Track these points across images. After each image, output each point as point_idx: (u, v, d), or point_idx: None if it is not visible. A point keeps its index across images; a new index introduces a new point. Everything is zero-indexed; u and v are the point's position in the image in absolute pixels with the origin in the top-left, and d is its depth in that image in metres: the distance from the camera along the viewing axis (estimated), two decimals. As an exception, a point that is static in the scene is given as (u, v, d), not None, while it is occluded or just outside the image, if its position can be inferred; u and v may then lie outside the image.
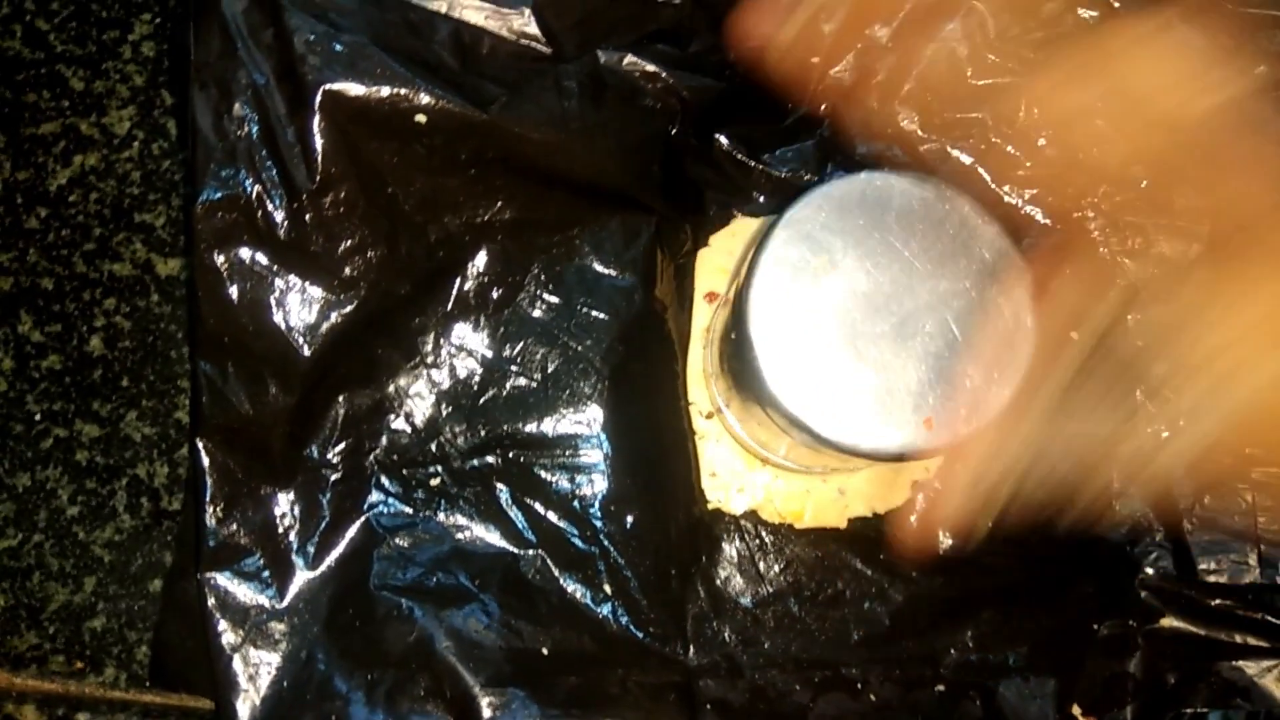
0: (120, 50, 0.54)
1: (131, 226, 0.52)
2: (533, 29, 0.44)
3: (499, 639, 0.45)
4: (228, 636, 0.45)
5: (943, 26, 0.48)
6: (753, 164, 0.50)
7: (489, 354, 0.48)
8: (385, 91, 0.42)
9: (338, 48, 0.41)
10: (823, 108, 0.49)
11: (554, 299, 0.48)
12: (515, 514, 0.47)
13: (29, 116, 0.53)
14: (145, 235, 0.52)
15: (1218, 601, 0.47)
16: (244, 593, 0.45)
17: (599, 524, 0.47)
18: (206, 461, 0.45)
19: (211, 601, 0.45)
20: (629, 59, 0.46)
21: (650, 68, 0.47)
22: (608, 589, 0.46)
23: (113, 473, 0.50)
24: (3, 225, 0.52)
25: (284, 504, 0.46)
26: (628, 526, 0.47)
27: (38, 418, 0.50)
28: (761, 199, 0.51)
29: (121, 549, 0.49)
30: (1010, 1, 0.48)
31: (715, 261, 0.52)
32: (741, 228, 0.52)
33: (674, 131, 0.48)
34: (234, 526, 0.45)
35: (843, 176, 0.37)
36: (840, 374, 0.37)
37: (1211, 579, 0.48)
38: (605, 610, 0.46)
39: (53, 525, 0.50)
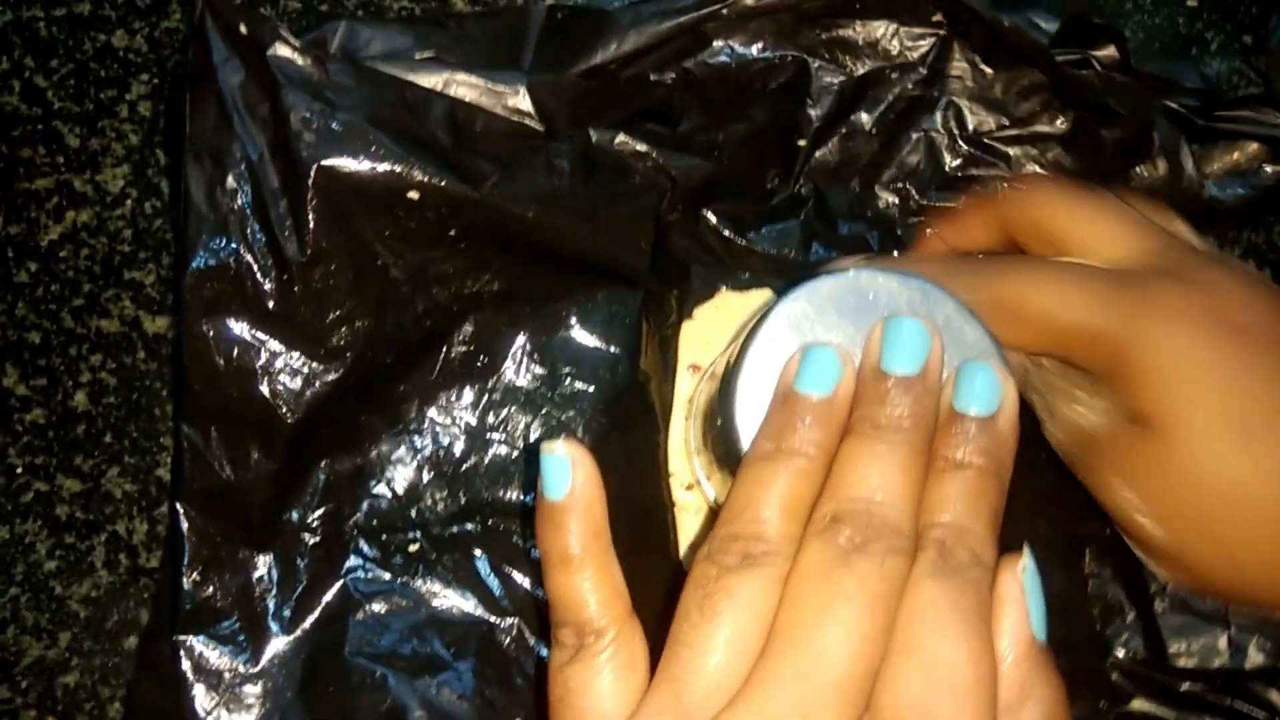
0: (117, 109, 0.54)
1: (121, 284, 0.52)
2: (527, 107, 0.45)
3: (473, 710, 0.45)
4: (201, 700, 0.45)
5: (923, 118, 0.50)
6: (738, 241, 0.51)
7: (472, 422, 0.48)
8: (379, 168, 0.42)
9: (333, 125, 0.42)
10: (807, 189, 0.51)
11: (539, 369, 0.48)
12: (493, 582, 0.47)
13: (23, 171, 0.53)
14: (134, 293, 0.52)
15: (1187, 686, 0.47)
16: (219, 656, 0.45)
17: None
18: (185, 525, 0.45)
19: (186, 664, 0.45)
20: (620, 138, 0.47)
21: (640, 147, 0.47)
22: None
23: (92, 528, 0.50)
24: (-8, 279, 0.52)
25: (262, 567, 0.46)
26: None
27: (19, 470, 0.51)
28: (746, 275, 0.52)
29: (98, 605, 0.49)
30: (986, 99, 0.50)
31: (699, 334, 0.52)
32: (725, 301, 0.52)
33: (662, 208, 0.49)
34: (211, 590, 0.45)
35: (831, 274, 0.38)
36: None
37: (1182, 662, 0.48)
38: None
39: (30, 579, 0.50)
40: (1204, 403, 0.37)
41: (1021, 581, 0.31)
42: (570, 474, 0.33)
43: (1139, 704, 0.48)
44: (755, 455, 0.34)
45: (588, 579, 0.33)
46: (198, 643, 0.45)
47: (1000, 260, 0.43)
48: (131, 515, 0.50)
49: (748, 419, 0.37)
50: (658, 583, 0.48)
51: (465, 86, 0.44)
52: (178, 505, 0.45)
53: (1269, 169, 0.50)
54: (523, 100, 0.45)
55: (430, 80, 0.44)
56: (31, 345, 0.52)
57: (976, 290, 0.38)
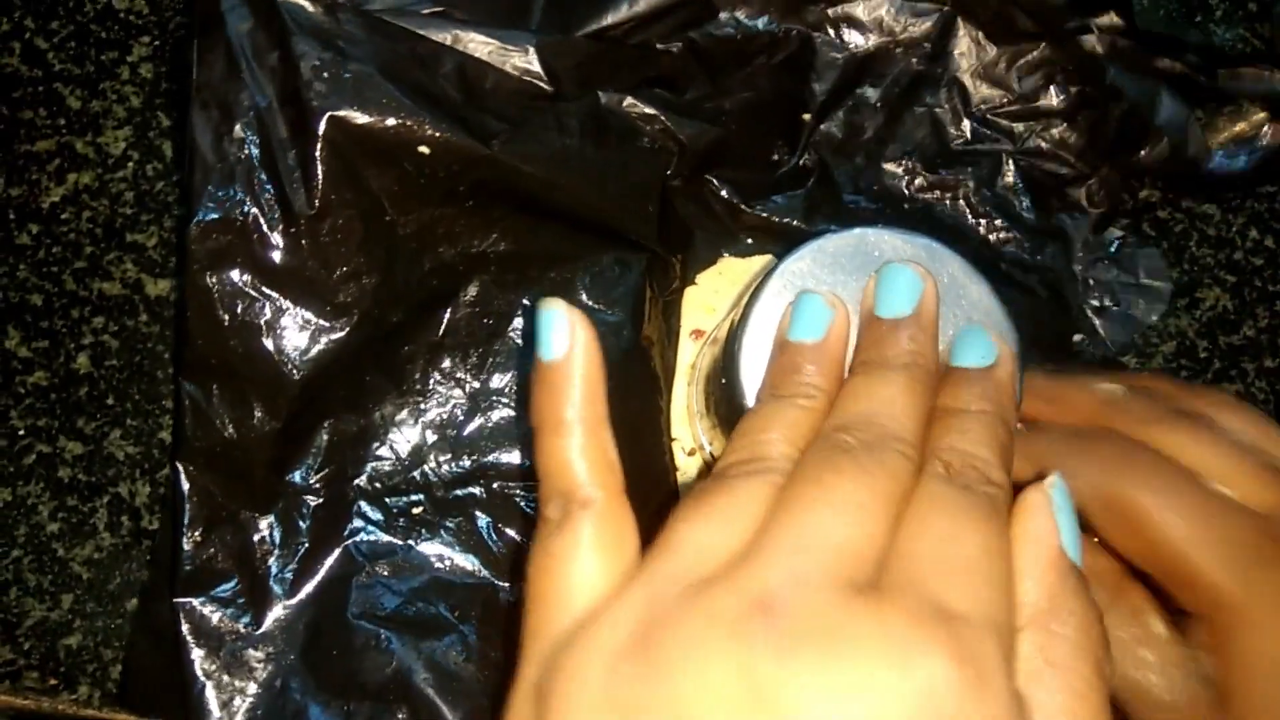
0: (118, 71, 0.54)
1: (123, 246, 0.52)
2: (535, 67, 0.45)
3: (477, 671, 0.45)
4: (201, 663, 0.45)
5: (927, 93, 0.50)
6: (743, 207, 0.51)
7: (476, 384, 0.48)
8: (390, 121, 0.42)
9: (345, 75, 0.42)
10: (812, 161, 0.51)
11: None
12: (496, 544, 0.47)
13: (24, 133, 0.53)
14: (136, 255, 0.52)
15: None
16: (219, 619, 0.45)
17: None
18: (186, 484, 0.45)
19: (185, 627, 0.45)
20: (628, 101, 0.47)
21: (649, 110, 0.47)
22: None
23: (94, 490, 0.50)
24: (-6, 240, 0.52)
25: (263, 529, 0.46)
26: None
27: (21, 433, 0.50)
28: (749, 241, 0.52)
29: (100, 567, 0.49)
30: (989, 75, 0.50)
31: (701, 299, 0.52)
32: (728, 267, 0.52)
33: (669, 173, 0.49)
34: (211, 551, 0.45)
35: (837, 231, 0.38)
36: None
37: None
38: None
39: (32, 541, 0.49)
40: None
41: (1049, 493, 0.29)
42: (569, 332, 0.31)
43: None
44: (755, 404, 0.34)
45: (577, 444, 0.31)
46: (197, 604, 0.45)
47: (1129, 453, 0.35)
48: (134, 477, 0.50)
49: (752, 377, 0.37)
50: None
51: (474, 44, 0.44)
52: (178, 464, 0.45)
53: (1270, 130, 0.50)
54: (531, 60, 0.44)
55: (439, 34, 0.44)
56: (33, 308, 0.51)
57: (1094, 481, 0.34)
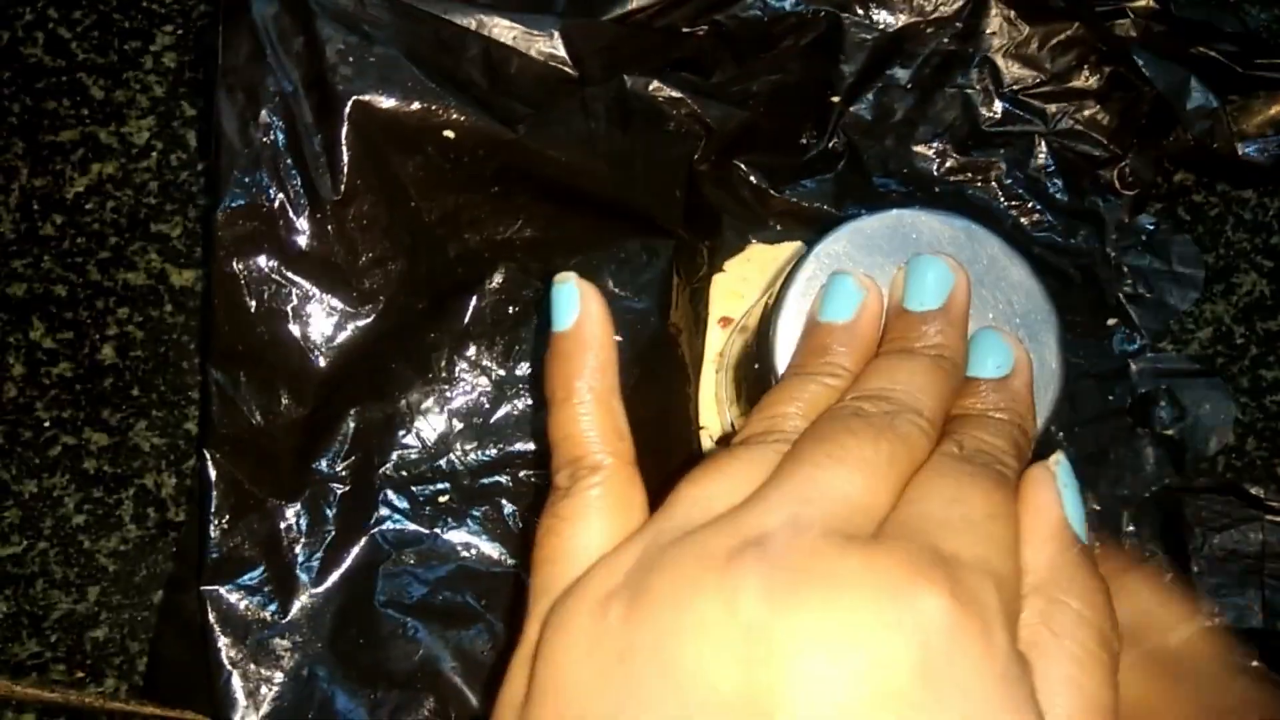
0: (142, 60, 0.54)
1: (147, 236, 0.52)
2: (560, 51, 0.44)
3: (504, 661, 0.45)
4: (228, 652, 0.45)
5: (958, 73, 0.49)
6: (771, 192, 0.50)
7: (502, 372, 0.48)
8: (416, 105, 0.42)
9: (370, 59, 0.41)
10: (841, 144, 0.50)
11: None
12: (523, 533, 0.47)
13: (48, 124, 0.53)
14: (161, 245, 0.52)
15: (1223, 646, 0.47)
16: (246, 607, 0.45)
17: None
18: (213, 472, 0.45)
19: (213, 615, 0.45)
20: (654, 84, 0.46)
21: (675, 94, 0.47)
22: None
23: (120, 482, 0.50)
24: (18, 231, 0.52)
25: (290, 517, 0.46)
26: None
27: (47, 425, 0.50)
28: (778, 227, 0.52)
29: (126, 559, 0.49)
30: (1021, 55, 0.49)
31: (729, 286, 0.52)
32: (757, 254, 0.52)
33: (696, 158, 0.48)
34: (238, 539, 0.45)
35: (873, 212, 0.37)
36: None
37: (1216, 622, 0.47)
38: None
39: (58, 533, 0.49)
40: None
41: (1053, 470, 0.29)
42: (578, 304, 0.32)
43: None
44: (779, 381, 0.34)
45: (587, 414, 0.31)
46: (225, 592, 0.45)
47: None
48: (160, 469, 0.50)
49: (786, 362, 0.37)
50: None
51: (498, 28, 0.43)
52: (205, 451, 0.45)
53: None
54: (556, 44, 0.44)
55: (464, 18, 0.43)
56: (58, 298, 0.51)
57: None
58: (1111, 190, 0.51)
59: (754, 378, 0.41)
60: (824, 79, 0.50)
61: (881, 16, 0.50)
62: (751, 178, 0.50)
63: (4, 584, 0.49)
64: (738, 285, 0.52)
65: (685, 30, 0.48)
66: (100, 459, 0.50)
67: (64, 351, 0.51)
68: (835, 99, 0.51)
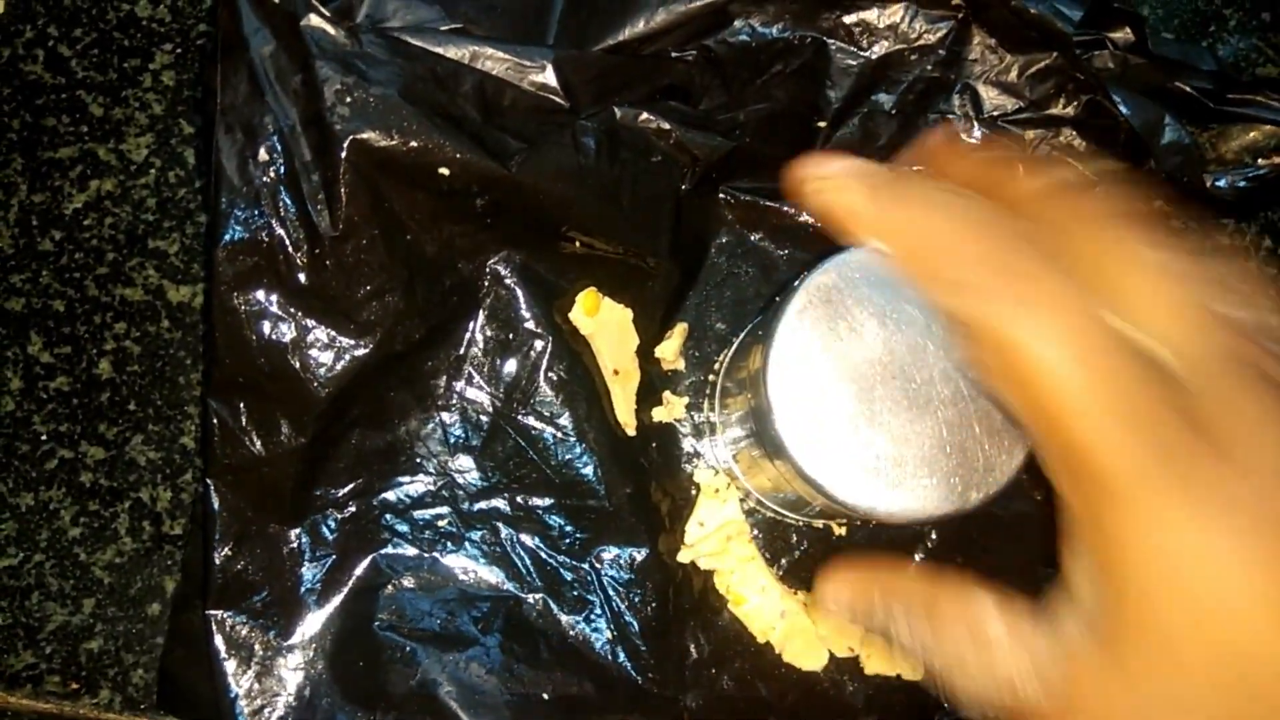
0: (140, 79, 0.54)
1: (145, 252, 0.53)
2: (552, 82, 0.45)
3: (500, 684, 0.46)
4: (233, 674, 0.46)
5: (940, 100, 0.50)
6: (760, 202, 0.52)
7: (500, 398, 0.49)
8: (412, 144, 0.43)
9: (367, 99, 0.42)
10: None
11: (557, 346, 0.49)
12: (520, 557, 0.48)
13: (47, 140, 0.53)
14: (158, 261, 0.52)
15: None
16: (250, 630, 0.46)
17: (601, 568, 0.48)
18: (216, 501, 0.46)
19: (218, 639, 0.46)
20: (644, 116, 0.47)
21: (664, 125, 0.48)
22: (609, 633, 0.47)
23: (116, 495, 0.51)
24: (17, 246, 0.52)
25: (292, 542, 0.47)
26: (631, 572, 0.48)
27: (44, 438, 0.51)
28: (767, 248, 0.53)
29: (122, 572, 0.50)
30: (1001, 83, 0.50)
31: (714, 312, 0.53)
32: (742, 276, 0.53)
33: (684, 187, 0.49)
34: (242, 564, 0.46)
35: (861, 246, 0.38)
36: (856, 438, 0.37)
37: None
38: (605, 655, 0.47)
39: (54, 545, 0.50)
40: (1191, 625, 0.26)
41: None
42: None
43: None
44: None
45: None
46: (229, 616, 0.46)
47: (1032, 271, 0.27)
48: (155, 482, 0.51)
49: (781, 397, 0.38)
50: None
51: (492, 60, 0.44)
52: (209, 480, 0.46)
53: (1274, 158, 0.51)
54: (548, 76, 0.45)
55: (458, 52, 0.44)
56: (56, 313, 0.52)
57: (967, 297, 0.27)
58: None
59: (747, 407, 0.42)
60: (810, 105, 0.51)
61: (866, 44, 0.51)
62: (737, 203, 0.51)
63: (0, 596, 0.50)
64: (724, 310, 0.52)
65: (674, 55, 0.49)
66: (97, 472, 0.51)
67: (61, 366, 0.52)
68: (821, 124, 0.51)
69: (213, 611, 0.46)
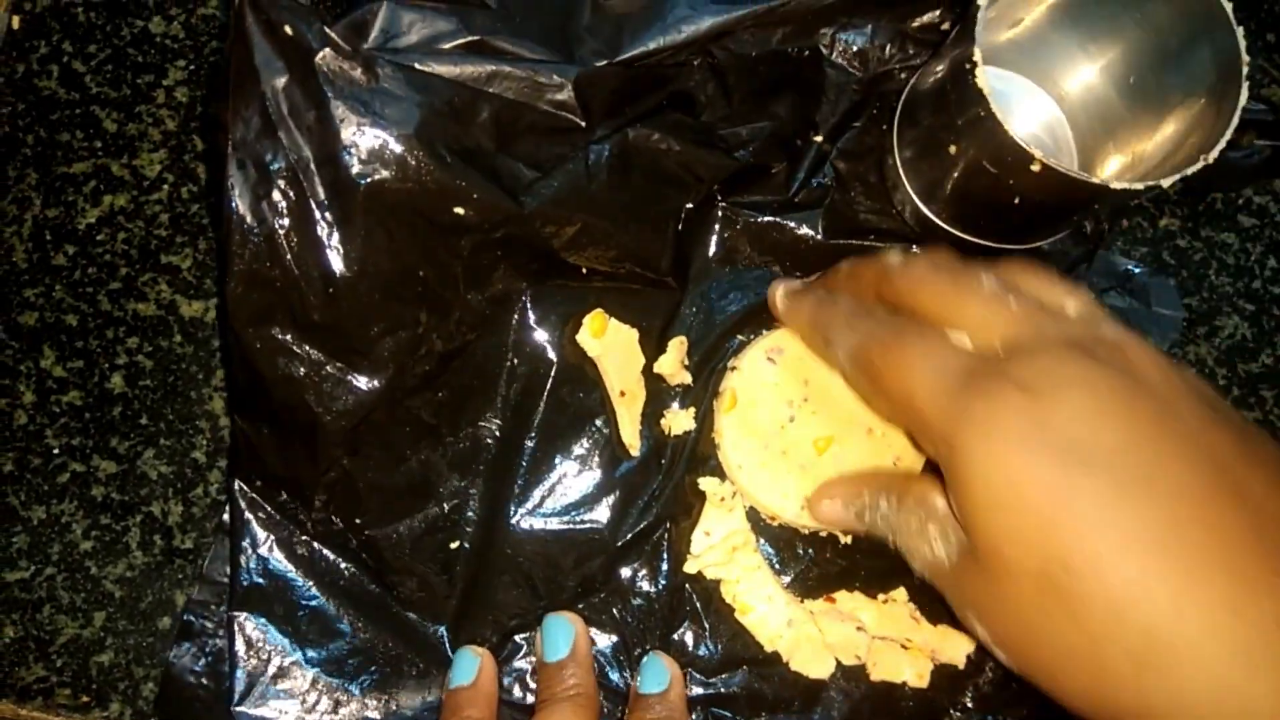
0: (154, 95, 0.55)
1: (158, 267, 0.53)
2: (570, 99, 0.44)
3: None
4: (251, 678, 0.46)
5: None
6: (759, 219, 0.52)
7: (511, 426, 0.49)
8: (428, 186, 0.42)
9: (383, 142, 0.42)
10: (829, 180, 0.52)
11: (566, 369, 0.50)
12: (540, 578, 0.49)
13: (61, 155, 0.54)
14: (171, 276, 0.53)
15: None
16: (270, 636, 0.47)
17: (610, 587, 0.50)
18: (243, 503, 0.47)
19: (239, 642, 0.47)
20: (655, 136, 0.48)
21: (674, 145, 0.48)
22: (613, 643, 0.49)
23: (127, 509, 0.51)
24: (30, 261, 0.53)
25: (311, 556, 0.48)
26: (636, 587, 0.50)
27: (56, 452, 0.51)
28: (766, 266, 0.53)
29: (133, 585, 0.50)
30: None
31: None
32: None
33: (689, 206, 0.50)
34: (265, 571, 0.47)
35: None
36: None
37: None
38: (610, 664, 0.49)
39: (65, 559, 0.50)
40: (1010, 538, 0.34)
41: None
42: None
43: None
44: None
45: None
46: (251, 621, 0.47)
47: (877, 317, 0.41)
48: (167, 497, 0.51)
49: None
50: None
51: (510, 81, 0.44)
52: (235, 483, 0.47)
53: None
54: (566, 94, 0.44)
55: (476, 71, 0.44)
56: (68, 328, 0.52)
57: (847, 344, 0.41)
58: (1079, 230, 0.52)
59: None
60: (809, 118, 0.51)
61: (860, 61, 0.51)
62: (739, 218, 0.52)
63: (11, 609, 0.50)
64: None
65: (679, 61, 0.49)
66: (108, 486, 0.51)
67: (74, 380, 0.52)
68: (817, 139, 0.52)
69: (235, 614, 0.47)
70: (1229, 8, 0.41)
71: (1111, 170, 0.48)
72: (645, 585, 0.49)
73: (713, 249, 0.52)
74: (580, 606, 0.48)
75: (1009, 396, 0.34)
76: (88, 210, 0.53)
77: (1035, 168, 0.40)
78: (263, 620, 0.47)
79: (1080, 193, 0.41)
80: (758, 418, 0.49)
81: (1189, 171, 0.40)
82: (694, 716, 0.48)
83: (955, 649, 0.49)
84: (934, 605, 0.49)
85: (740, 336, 0.52)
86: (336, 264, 0.43)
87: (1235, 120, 0.40)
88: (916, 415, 0.37)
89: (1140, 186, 0.40)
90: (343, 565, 0.48)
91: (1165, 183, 0.40)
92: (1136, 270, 0.53)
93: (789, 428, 0.48)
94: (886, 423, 0.48)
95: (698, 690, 0.48)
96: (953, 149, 0.44)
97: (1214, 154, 0.40)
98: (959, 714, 0.48)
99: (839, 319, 0.42)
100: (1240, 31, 0.40)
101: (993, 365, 0.35)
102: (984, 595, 0.36)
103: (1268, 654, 0.30)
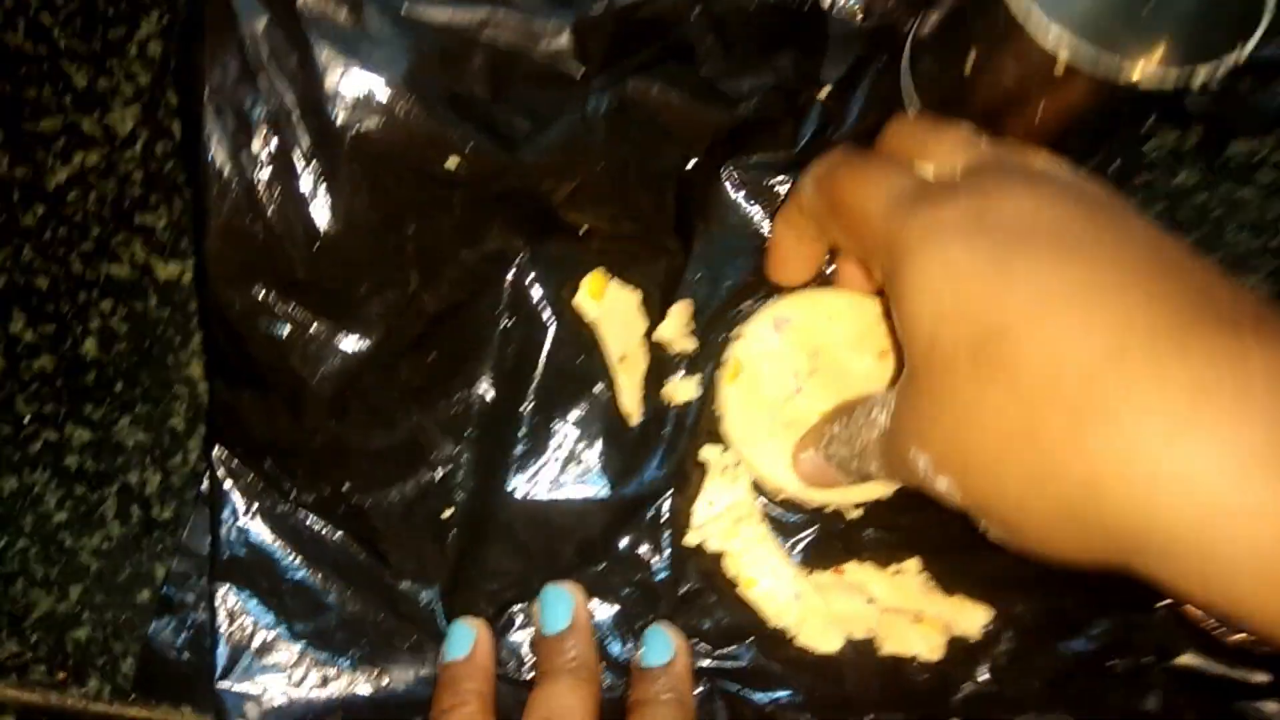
0: (126, 48, 0.53)
1: (131, 227, 0.51)
2: (568, 47, 0.43)
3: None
4: (234, 653, 0.45)
5: None
6: (762, 181, 0.50)
7: (505, 391, 0.47)
8: (417, 137, 0.41)
9: (370, 89, 0.40)
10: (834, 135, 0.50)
11: (564, 332, 0.48)
12: (531, 544, 0.48)
13: (29, 112, 0.52)
14: (145, 237, 0.51)
15: (1238, 637, 0.47)
16: (254, 609, 0.45)
17: (610, 558, 0.48)
18: (224, 472, 0.45)
19: (221, 615, 0.45)
20: (654, 89, 0.46)
21: (671, 99, 0.46)
22: (614, 618, 0.47)
23: (103, 479, 0.49)
24: (-2, 221, 0.51)
25: (297, 524, 0.46)
26: (638, 559, 0.48)
27: (27, 420, 0.49)
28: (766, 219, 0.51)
29: (109, 557, 0.49)
30: None
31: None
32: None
33: (692, 163, 0.48)
34: (248, 540, 0.46)
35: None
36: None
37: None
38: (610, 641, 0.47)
39: (39, 531, 0.49)
40: (946, 319, 0.33)
41: None
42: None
43: (1186, 658, 0.47)
44: None
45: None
46: (233, 592, 0.45)
47: (848, 155, 0.41)
48: (144, 466, 0.49)
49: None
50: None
51: (504, 28, 0.42)
52: (215, 451, 0.45)
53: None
54: (564, 40, 0.43)
55: (469, 18, 0.42)
56: (39, 290, 0.50)
57: (816, 167, 0.41)
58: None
59: None
60: (813, 72, 0.50)
61: (865, 9, 0.49)
62: (743, 172, 0.50)
63: (-16, 583, 0.48)
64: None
65: (677, 11, 0.47)
66: (82, 455, 0.49)
67: (45, 345, 0.50)
68: (825, 90, 0.50)
69: (216, 585, 0.45)
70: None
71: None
72: (646, 556, 0.47)
73: (718, 210, 0.50)
74: (579, 577, 0.47)
75: (955, 199, 0.34)
76: (57, 168, 0.51)
77: (1059, 70, 0.38)
78: (246, 592, 0.45)
79: (1107, 99, 0.40)
80: (762, 388, 0.47)
81: (1226, 62, 0.38)
82: (700, 689, 0.46)
83: (970, 620, 0.47)
84: (949, 576, 0.47)
85: (747, 303, 0.49)
86: (321, 218, 0.41)
87: (1270, 9, 0.38)
88: (868, 231, 0.37)
89: (1172, 78, 0.38)
90: (329, 535, 0.46)
91: (1197, 78, 0.38)
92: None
93: (795, 399, 0.47)
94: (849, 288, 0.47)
95: (703, 663, 0.47)
96: (969, 63, 0.43)
97: (1250, 45, 0.37)
98: (973, 687, 0.47)
99: (829, 167, 0.41)
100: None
101: (946, 184, 0.36)
102: (923, 411, 0.35)
103: (1222, 390, 0.28)
